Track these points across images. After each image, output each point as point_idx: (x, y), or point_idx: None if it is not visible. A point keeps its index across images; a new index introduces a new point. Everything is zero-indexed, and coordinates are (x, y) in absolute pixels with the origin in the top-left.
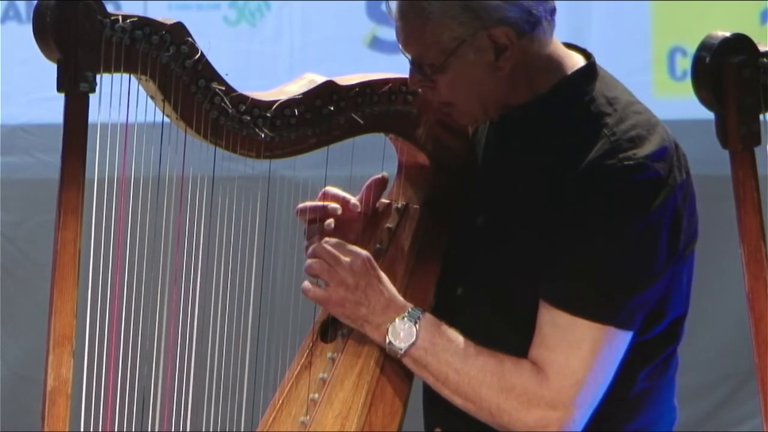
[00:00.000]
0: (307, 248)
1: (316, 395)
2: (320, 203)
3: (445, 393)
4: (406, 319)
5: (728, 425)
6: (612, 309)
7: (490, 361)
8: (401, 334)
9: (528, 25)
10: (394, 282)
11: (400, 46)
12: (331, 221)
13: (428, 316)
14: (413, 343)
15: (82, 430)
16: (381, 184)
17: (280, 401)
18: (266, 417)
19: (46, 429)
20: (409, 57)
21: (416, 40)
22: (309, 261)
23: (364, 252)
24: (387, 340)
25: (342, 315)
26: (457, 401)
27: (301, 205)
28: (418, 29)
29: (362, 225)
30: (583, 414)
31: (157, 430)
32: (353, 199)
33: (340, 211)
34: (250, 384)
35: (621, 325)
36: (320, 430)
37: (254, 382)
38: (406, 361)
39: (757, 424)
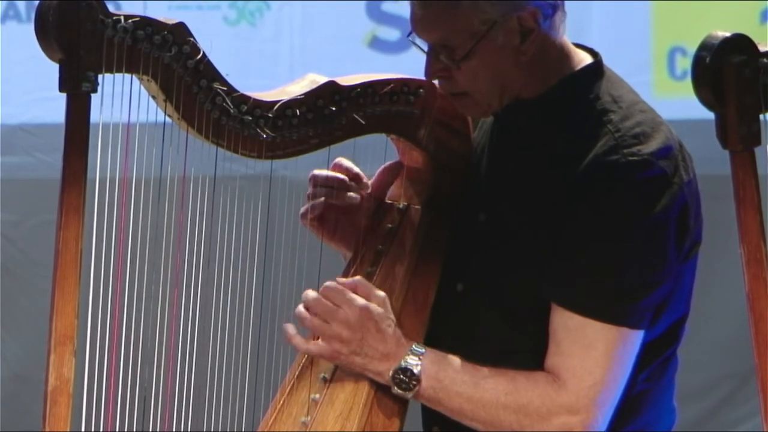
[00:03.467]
0: (302, 215)
1: (318, 395)
2: (337, 174)
3: (465, 422)
4: (407, 363)
5: (728, 425)
6: (623, 310)
7: (501, 382)
8: (405, 379)
9: (551, 8)
10: (395, 282)
11: (419, 34)
12: (352, 195)
13: (429, 353)
14: (419, 385)
15: (83, 430)
16: (395, 169)
17: (281, 401)
18: (267, 417)
19: (47, 429)
20: (428, 44)
21: (443, 25)
22: (301, 312)
23: (361, 301)
24: (392, 388)
25: (339, 365)
26: (479, 427)
27: (315, 171)
28: (445, 14)
29: (373, 206)
30: (605, 414)
31: (158, 430)
32: (365, 177)
33: (356, 191)
34: (251, 384)
35: (633, 325)
36: (321, 430)
37: (255, 382)
38: (419, 400)
39: (757, 424)
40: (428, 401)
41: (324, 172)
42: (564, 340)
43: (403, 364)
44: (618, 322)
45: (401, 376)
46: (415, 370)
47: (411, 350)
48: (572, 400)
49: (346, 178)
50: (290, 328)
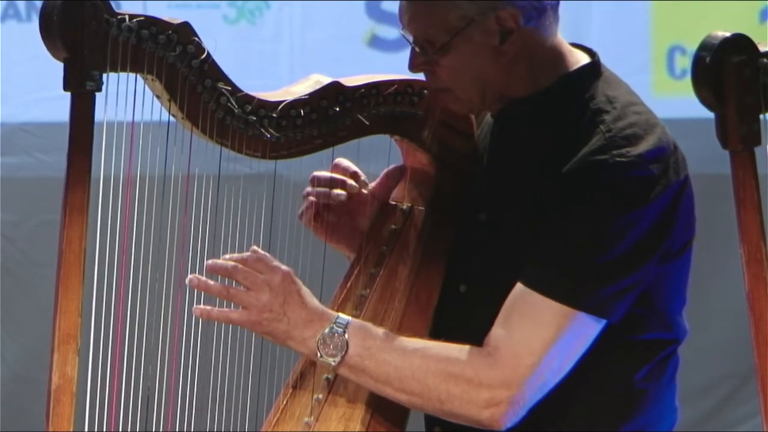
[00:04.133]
0: (300, 214)
1: (321, 396)
2: (336, 176)
3: (388, 392)
4: (333, 329)
5: (728, 425)
6: (583, 294)
7: (432, 350)
8: (331, 346)
9: (535, 11)
10: (399, 283)
11: (403, 26)
12: (343, 193)
13: (356, 321)
14: (346, 353)
15: (86, 429)
16: (398, 174)
17: (284, 402)
18: (270, 417)
19: (50, 428)
20: (411, 37)
21: (423, 18)
22: (219, 287)
23: (283, 267)
24: (317, 354)
25: (262, 333)
26: (402, 398)
27: (316, 173)
28: (425, 6)
29: (376, 210)
30: (532, 396)
31: (161, 429)
32: (364, 176)
33: (356, 190)
34: (255, 384)
35: (592, 310)
36: (324, 430)
37: (258, 382)
38: (342, 371)
39: (757, 424)
40: (353, 370)
41: (324, 173)
42: (516, 314)
43: (329, 330)
44: (575, 305)
45: (328, 342)
46: (344, 336)
47: (336, 319)
48: (506, 376)
49: (344, 179)
50: (199, 309)
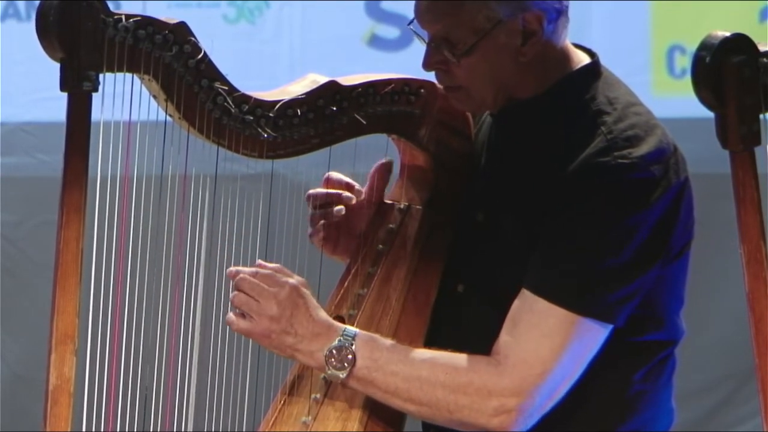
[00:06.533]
0: (311, 236)
1: (318, 395)
2: (332, 191)
3: (397, 403)
4: (340, 342)
5: (728, 425)
6: (590, 300)
7: (439, 361)
8: (339, 359)
9: (555, 12)
10: (396, 282)
11: (423, 24)
12: (341, 208)
13: (362, 333)
14: (353, 365)
15: (84, 429)
16: (386, 169)
17: (282, 401)
18: (268, 417)
19: (48, 428)
20: (429, 35)
21: (449, 18)
22: (233, 294)
23: (291, 280)
24: (326, 368)
25: (270, 346)
26: (411, 409)
27: (311, 191)
28: (452, 7)
29: (372, 212)
30: (543, 403)
31: (158, 429)
32: (357, 185)
33: (353, 201)
34: (252, 383)
35: (598, 316)
36: (322, 430)
37: (256, 381)
38: (350, 383)
39: (757, 424)
40: (361, 382)
41: (319, 191)
42: (524, 321)
43: (337, 343)
44: (582, 311)
45: (336, 355)
46: (351, 348)
47: (343, 331)
48: (515, 384)
49: (340, 192)
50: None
